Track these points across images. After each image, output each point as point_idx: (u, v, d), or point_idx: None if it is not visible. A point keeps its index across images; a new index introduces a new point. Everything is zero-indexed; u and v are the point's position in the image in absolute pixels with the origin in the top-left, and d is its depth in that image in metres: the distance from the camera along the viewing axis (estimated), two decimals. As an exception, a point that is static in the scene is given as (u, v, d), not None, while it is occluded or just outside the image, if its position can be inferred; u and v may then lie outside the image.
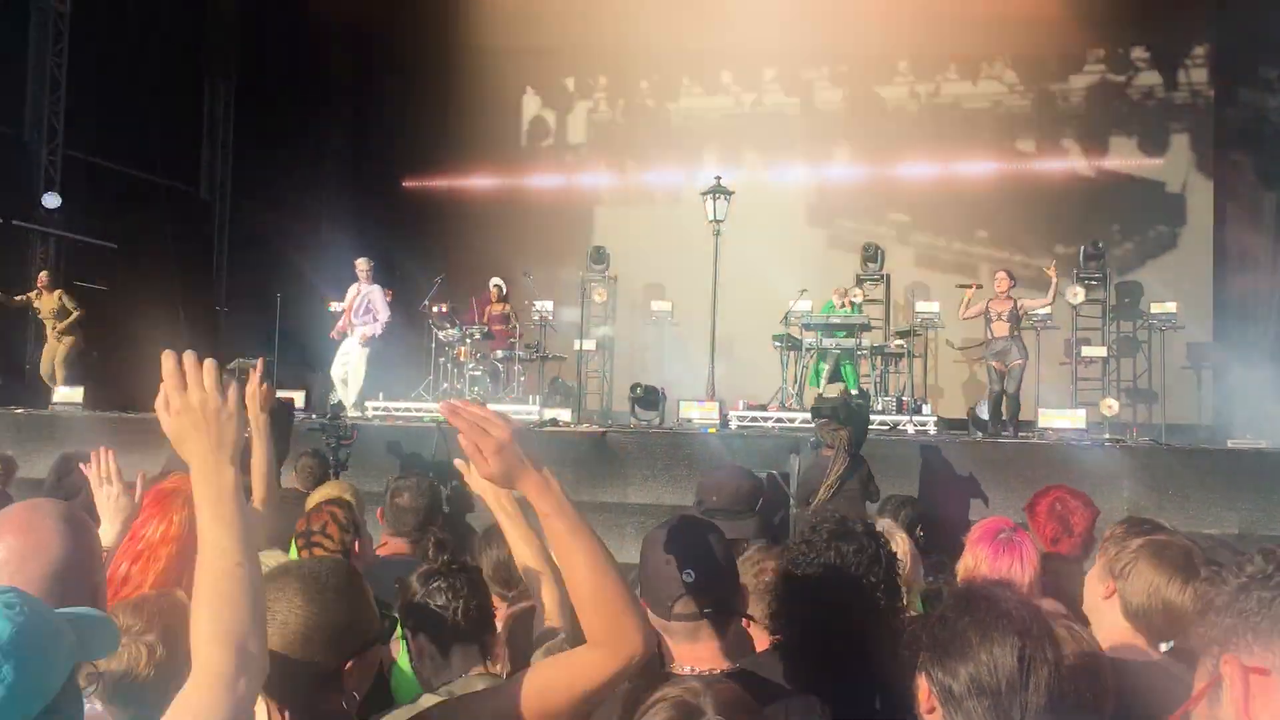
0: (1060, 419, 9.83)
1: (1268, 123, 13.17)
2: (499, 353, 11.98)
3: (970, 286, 11.16)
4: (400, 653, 2.55)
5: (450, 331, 12.00)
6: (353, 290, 11.49)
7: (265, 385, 3.10)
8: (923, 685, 1.69)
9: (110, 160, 14.13)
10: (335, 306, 11.61)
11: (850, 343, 11.31)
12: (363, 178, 17.06)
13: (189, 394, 1.50)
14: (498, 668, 2.37)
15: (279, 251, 14.58)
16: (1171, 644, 2.55)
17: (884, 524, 3.44)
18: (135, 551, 2.31)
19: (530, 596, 2.60)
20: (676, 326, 13.66)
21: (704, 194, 11.09)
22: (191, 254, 15.36)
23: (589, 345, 13.40)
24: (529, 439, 1.66)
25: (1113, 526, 2.61)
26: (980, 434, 10.51)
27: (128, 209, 14.13)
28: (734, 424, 10.19)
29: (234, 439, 1.50)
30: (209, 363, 1.53)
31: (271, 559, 2.35)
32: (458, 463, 2.41)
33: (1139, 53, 14.33)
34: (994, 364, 10.41)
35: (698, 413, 9.95)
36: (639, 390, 10.81)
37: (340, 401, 11.04)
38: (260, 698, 1.60)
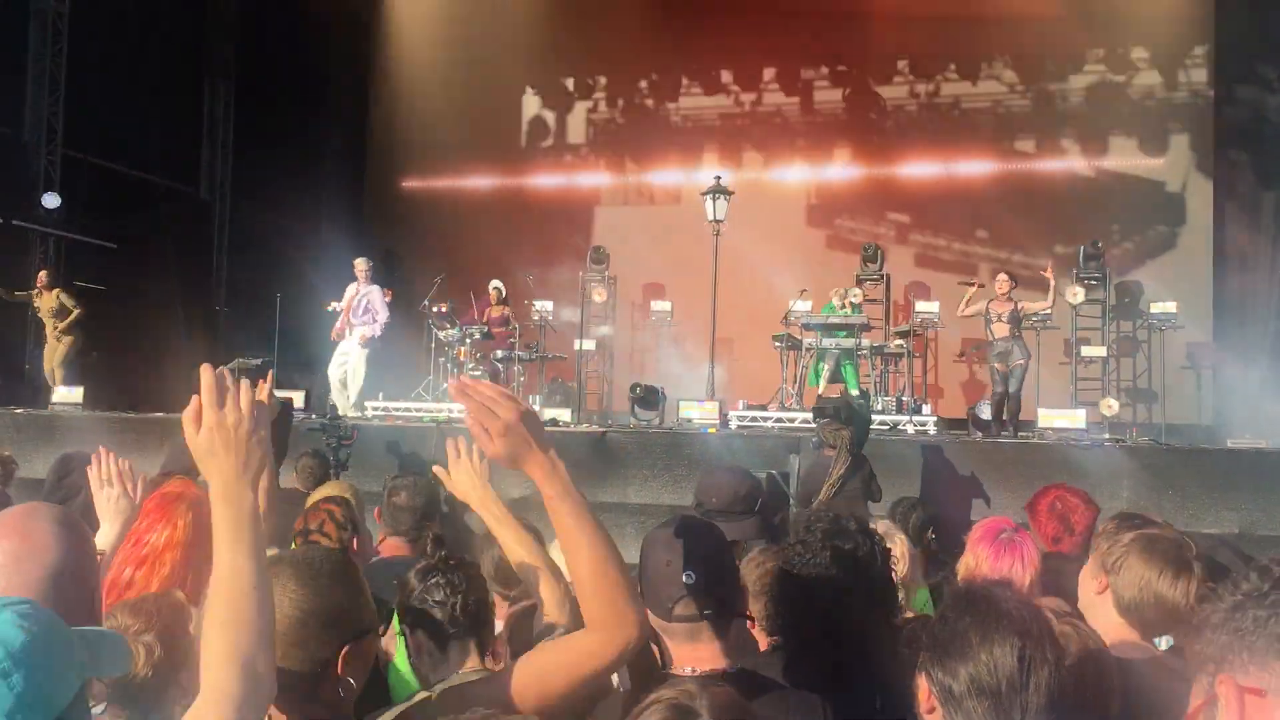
0: (1060, 419, 9.83)
1: (1267, 122, 13.17)
2: (499, 353, 11.99)
3: (973, 284, 11.16)
4: (398, 651, 2.55)
5: (450, 331, 12.00)
6: (351, 290, 11.46)
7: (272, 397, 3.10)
8: (922, 685, 1.69)
9: (110, 160, 14.14)
10: (334, 307, 11.61)
11: (850, 343, 11.31)
12: (363, 178, 17.08)
13: (224, 412, 1.50)
14: (499, 666, 2.37)
15: (279, 251, 14.58)
16: (1171, 641, 2.56)
17: (883, 525, 3.45)
18: (140, 557, 2.33)
19: (532, 596, 2.60)
20: (676, 326, 13.66)
21: (704, 194, 11.09)
22: (191, 254, 15.36)
23: (589, 345, 13.40)
24: (536, 421, 1.66)
25: (1104, 523, 2.61)
26: (980, 434, 10.51)
27: (127, 209, 14.14)
28: (734, 424, 10.19)
29: (259, 463, 1.52)
30: (246, 383, 1.54)
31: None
32: (436, 469, 2.41)
33: (1139, 53, 14.32)
34: (997, 366, 10.42)
35: (697, 412, 9.95)
36: (639, 390, 10.81)
37: (335, 404, 11.05)
38: None
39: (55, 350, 11.85)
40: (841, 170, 15.55)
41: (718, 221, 10.94)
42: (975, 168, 14.94)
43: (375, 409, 11.13)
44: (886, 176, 15.18)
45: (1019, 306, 10.51)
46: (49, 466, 4.20)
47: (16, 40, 13.37)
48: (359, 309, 11.32)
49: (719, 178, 11.28)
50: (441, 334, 12.15)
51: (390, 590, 2.42)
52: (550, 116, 16.73)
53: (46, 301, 11.87)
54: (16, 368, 12.91)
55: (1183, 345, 12.88)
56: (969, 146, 14.93)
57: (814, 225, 15.33)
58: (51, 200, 13.07)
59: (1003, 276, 10.81)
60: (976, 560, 2.82)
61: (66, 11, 13.71)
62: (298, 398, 10.69)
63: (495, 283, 12.70)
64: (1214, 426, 11.72)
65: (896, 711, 1.85)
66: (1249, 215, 13.50)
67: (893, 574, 2.22)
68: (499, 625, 2.73)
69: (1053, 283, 10.90)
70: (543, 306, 13.08)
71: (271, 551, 2.92)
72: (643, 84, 16.18)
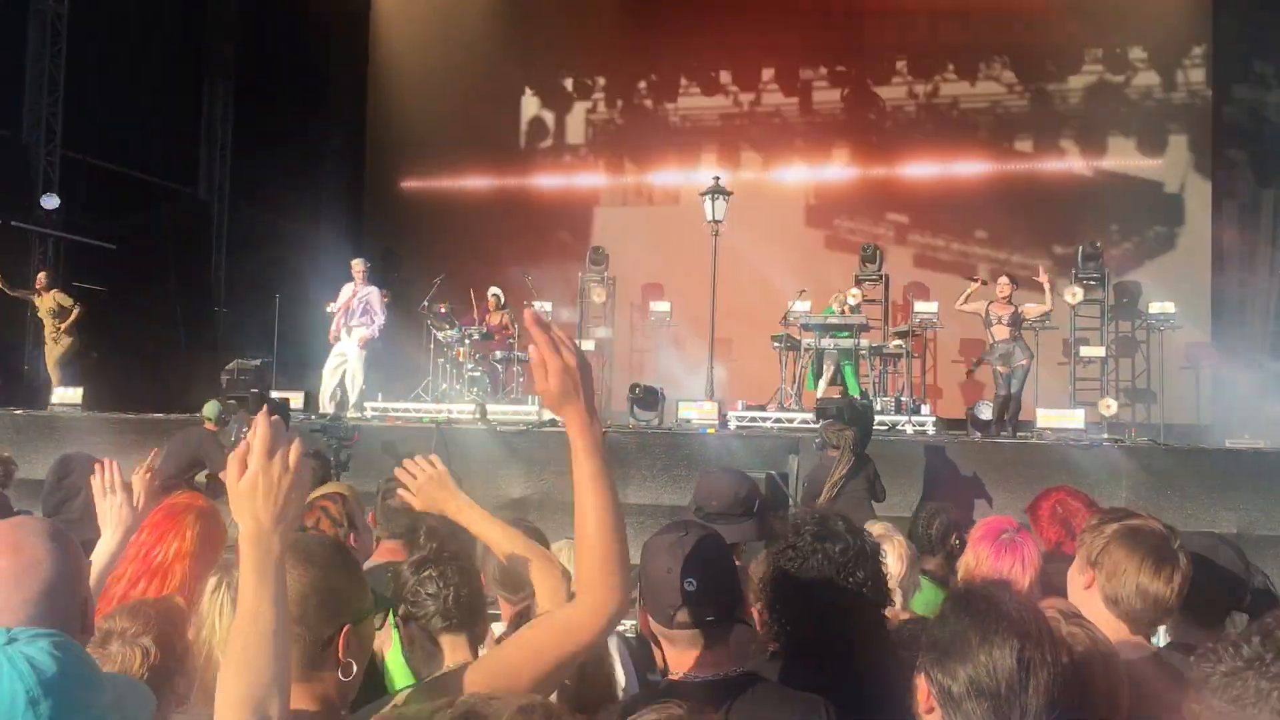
0: (1059, 419, 9.84)
1: (1266, 122, 13.18)
2: (498, 353, 11.98)
3: (976, 281, 11.16)
4: (393, 647, 2.55)
5: (449, 332, 12.00)
6: (347, 290, 11.39)
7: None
8: (921, 685, 1.69)
9: (109, 161, 14.12)
10: (333, 308, 11.59)
11: (849, 343, 11.31)
12: (362, 178, 17.09)
13: (273, 462, 1.54)
14: None
15: (278, 252, 14.58)
16: (1167, 636, 2.56)
17: (880, 526, 3.45)
18: (151, 569, 2.37)
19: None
20: (675, 327, 13.66)
21: (702, 194, 11.10)
22: (190, 254, 15.35)
23: (588, 346, 13.40)
24: (589, 376, 1.70)
25: (1088, 519, 2.60)
26: (979, 434, 10.51)
27: (126, 210, 14.13)
28: (733, 424, 10.19)
29: (294, 518, 1.56)
30: (298, 440, 1.58)
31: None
32: (402, 494, 2.37)
33: (1137, 53, 14.34)
34: (999, 368, 10.42)
35: (696, 413, 9.95)
36: (638, 390, 10.81)
37: (338, 399, 11.05)
38: None
39: (52, 351, 11.85)
40: (840, 170, 15.56)
41: (716, 222, 10.94)
42: (974, 168, 14.94)
43: (374, 410, 11.13)
44: (885, 177, 15.19)
45: (1019, 310, 10.52)
46: (48, 468, 4.20)
47: (16, 41, 13.37)
48: (358, 310, 11.29)
49: (718, 178, 11.29)
50: (440, 335, 12.15)
51: (386, 591, 2.42)
52: (549, 117, 16.73)
53: (45, 302, 11.87)
54: (16, 369, 12.90)
55: (1181, 345, 12.89)
56: (968, 147, 14.94)
57: (813, 225, 15.34)
58: (50, 201, 13.07)
59: (1003, 279, 10.82)
60: (977, 559, 2.81)
61: (65, 12, 13.70)
62: (297, 398, 10.70)
63: (494, 289, 12.68)
64: (1212, 426, 11.72)
65: (895, 712, 1.85)
66: (1247, 215, 13.51)
67: (884, 570, 2.22)
68: (503, 626, 2.73)
69: (1047, 286, 10.91)
70: (542, 307, 13.07)
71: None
72: (641, 84, 16.19)
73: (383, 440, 8.75)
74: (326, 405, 10.93)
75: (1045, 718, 1.59)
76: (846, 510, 5.42)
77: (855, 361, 11.38)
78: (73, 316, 11.86)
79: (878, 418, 9.80)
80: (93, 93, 13.34)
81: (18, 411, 10.55)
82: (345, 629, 1.70)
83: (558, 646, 1.68)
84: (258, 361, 12.24)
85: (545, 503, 8.15)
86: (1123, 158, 14.38)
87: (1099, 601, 2.26)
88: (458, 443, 8.80)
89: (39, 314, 12.02)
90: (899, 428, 10.07)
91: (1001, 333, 10.44)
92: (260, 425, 1.55)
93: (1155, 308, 12.42)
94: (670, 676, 1.98)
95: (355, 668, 1.72)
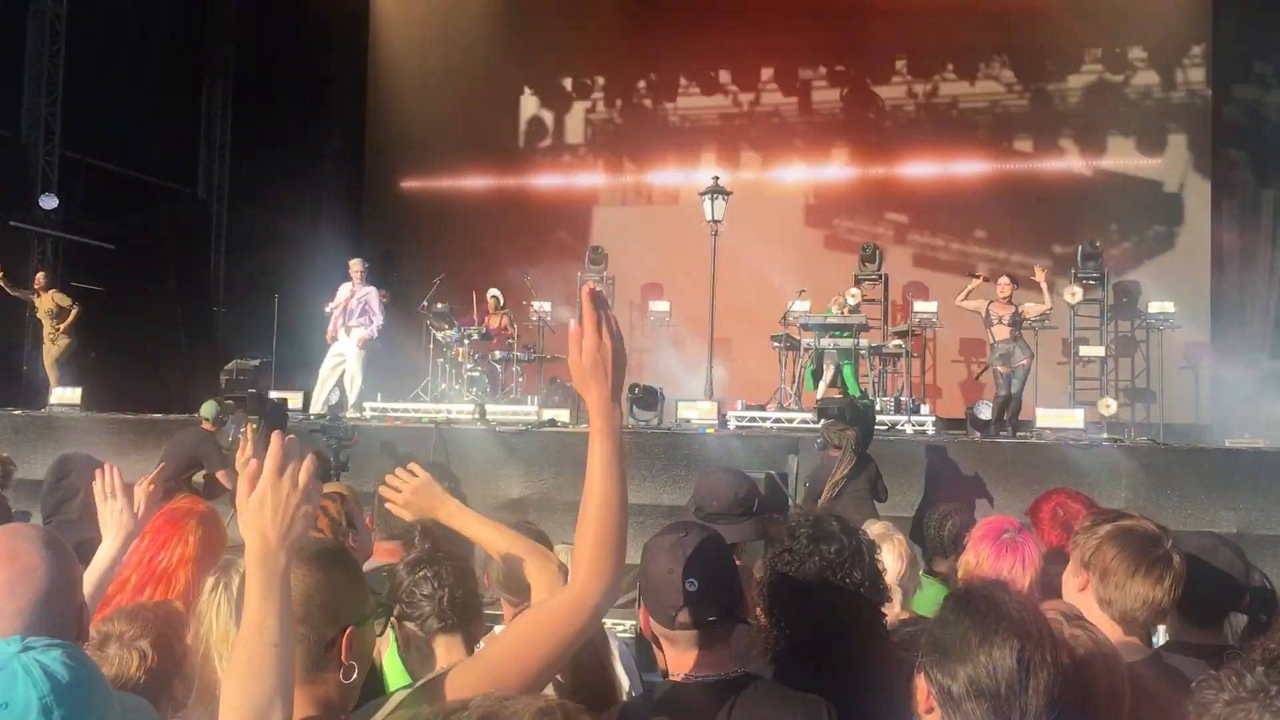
0: (1058, 419, 9.83)
1: (1266, 121, 13.18)
2: (497, 354, 11.98)
3: (977, 277, 11.15)
4: (390, 649, 2.54)
5: (448, 332, 11.99)
6: (344, 290, 11.35)
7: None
8: (921, 685, 1.69)
9: (107, 161, 14.12)
10: (330, 308, 11.56)
11: (848, 343, 11.31)
12: (361, 178, 17.09)
13: (283, 480, 1.57)
14: None
15: (277, 252, 14.57)
16: (1166, 635, 2.56)
17: (880, 526, 3.44)
18: (155, 575, 2.40)
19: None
20: (674, 326, 13.66)
21: (702, 194, 11.10)
22: (189, 255, 15.34)
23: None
24: (621, 365, 1.73)
25: (1082, 521, 2.60)
26: (978, 434, 10.51)
27: (125, 210, 14.13)
28: (732, 424, 10.19)
29: (300, 536, 1.58)
30: (310, 460, 1.61)
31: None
32: (390, 509, 2.35)
33: (1136, 52, 14.34)
34: (1000, 368, 10.42)
35: (696, 413, 9.95)
36: (637, 390, 10.80)
37: (333, 401, 11.04)
38: None
39: (50, 351, 11.84)
40: (839, 170, 15.56)
41: (716, 221, 10.94)
42: (973, 167, 14.95)
43: (374, 410, 11.12)
44: (884, 176, 15.19)
45: (1020, 310, 10.52)
46: (47, 468, 4.20)
47: (14, 41, 13.36)
48: (356, 310, 11.26)
49: (717, 178, 11.29)
50: (440, 334, 12.14)
51: (383, 593, 2.41)
52: (548, 117, 16.73)
53: (44, 303, 11.87)
54: (15, 369, 12.89)
55: (1181, 345, 12.89)
56: (967, 146, 14.94)
57: (812, 225, 15.34)
58: (49, 201, 13.06)
59: (1004, 279, 10.82)
60: (977, 559, 2.81)
61: (64, 12, 13.69)
62: (296, 399, 10.69)
63: (493, 291, 12.67)
64: (1212, 426, 11.73)
65: (895, 712, 1.85)
66: (1247, 215, 13.52)
67: (880, 569, 2.23)
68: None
69: (1045, 285, 10.90)
70: (541, 307, 13.07)
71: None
72: (641, 84, 16.19)
73: (382, 440, 8.75)
74: (318, 406, 10.90)
75: (1045, 718, 1.59)
76: (848, 510, 5.45)
77: (855, 361, 11.37)
78: (71, 317, 11.86)
79: (877, 418, 9.82)
80: (91, 92, 13.34)
81: (16, 412, 10.54)
82: (348, 631, 1.70)
83: (548, 636, 1.67)
84: (257, 362, 12.24)
85: (544, 503, 8.15)
86: (1122, 157, 14.39)
87: (1093, 604, 2.25)
88: (457, 443, 8.80)
89: (37, 314, 12.02)
90: (898, 427, 10.07)
91: (1002, 333, 10.44)
92: (274, 444, 1.58)
93: (1155, 307, 12.42)
94: (672, 678, 1.97)
95: (357, 671, 1.72)
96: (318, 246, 14.55)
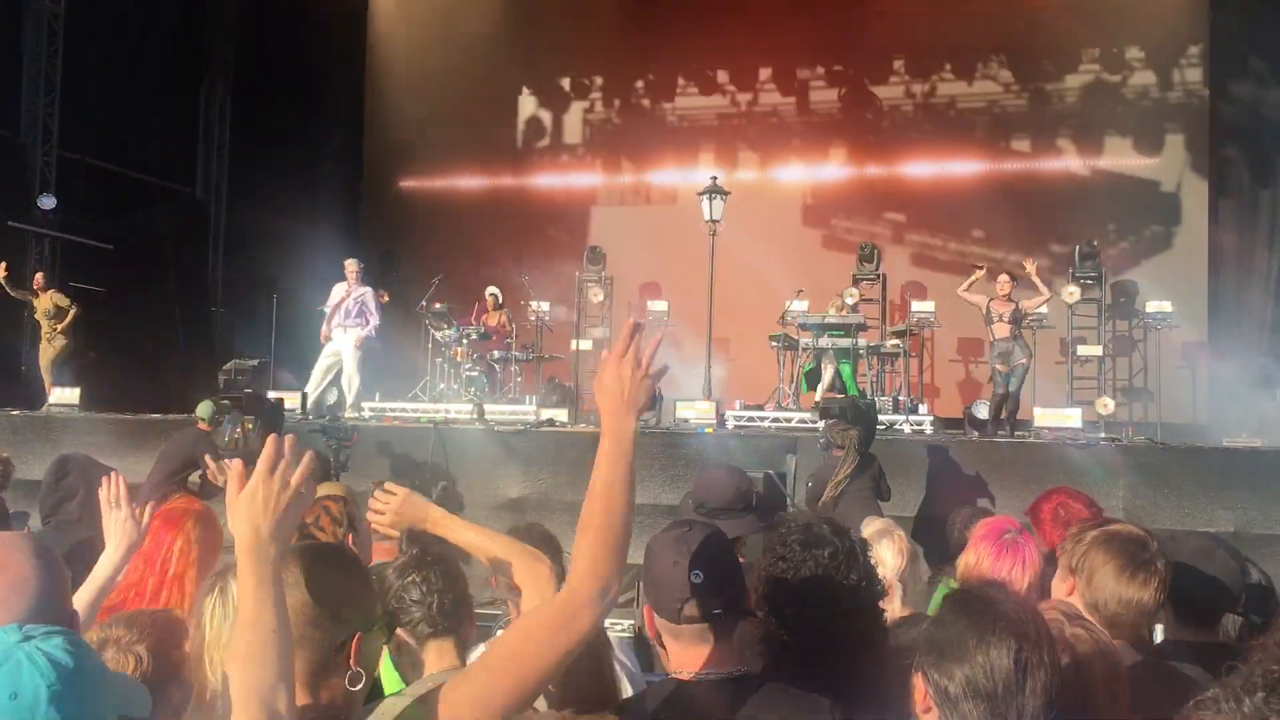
0: (1056, 418, 9.84)
1: (1263, 120, 13.20)
2: (495, 353, 11.97)
3: (980, 269, 11.13)
4: (383, 653, 2.54)
5: (447, 332, 11.98)
6: (339, 290, 11.30)
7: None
8: (919, 685, 1.70)
9: (106, 161, 14.11)
10: (324, 309, 11.52)
11: (846, 342, 11.31)
12: (360, 178, 17.09)
13: (274, 477, 1.61)
14: None
15: (275, 252, 14.57)
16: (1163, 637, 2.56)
17: (880, 523, 3.45)
18: (168, 578, 2.49)
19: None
20: (672, 326, 13.65)
21: (700, 194, 11.10)
22: (188, 255, 15.34)
23: (585, 345, 13.40)
24: (645, 392, 1.78)
25: (1071, 528, 2.61)
26: (976, 433, 10.52)
27: (124, 210, 14.12)
28: (730, 424, 10.19)
29: (288, 530, 1.63)
30: (306, 460, 1.65)
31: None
32: (377, 528, 2.37)
33: (1134, 52, 14.35)
34: (998, 366, 10.42)
35: (694, 412, 9.95)
36: (635, 390, 10.78)
37: (333, 400, 11.03)
38: None
39: (46, 352, 11.83)
40: (837, 170, 15.57)
41: (714, 221, 10.94)
42: (971, 167, 14.96)
43: (372, 410, 11.12)
44: (882, 176, 15.20)
45: (1020, 306, 10.52)
46: (46, 468, 4.20)
47: (12, 40, 13.34)
48: (353, 310, 11.24)
49: (715, 178, 11.29)
50: (438, 334, 12.13)
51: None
52: (546, 117, 16.74)
53: (42, 303, 11.86)
54: (14, 369, 12.88)
55: (1178, 344, 12.91)
56: (965, 146, 14.95)
57: (810, 225, 15.35)
58: (47, 201, 13.05)
59: (1004, 277, 10.81)
60: (977, 558, 2.81)
61: (62, 12, 13.68)
62: (294, 399, 10.68)
63: (491, 289, 12.65)
64: (1209, 425, 11.74)
65: (893, 711, 1.85)
66: (1244, 214, 13.53)
67: (874, 564, 2.23)
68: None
69: (1035, 276, 10.86)
70: (539, 307, 13.07)
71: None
72: (639, 84, 16.20)
73: (379, 440, 8.76)
74: (313, 391, 10.90)
75: (1042, 718, 1.59)
76: (852, 509, 5.46)
77: (853, 361, 11.38)
78: (69, 317, 11.84)
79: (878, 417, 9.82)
80: (90, 92, 13.33)
81: (15, 412, 10.52)
82: (357, 636, 1.71)
83: (542, 646, 1.65)
84: (255, 361, 12.23)
85: (543, 502, 8.14)
86: (1120, 157, 14.40)
87: (1080, 608, 2.26)
88: (455, 443, 8.79)
89: (35, 315, 12.01)
90: (896, 427, 10.07)
91: (1002, 330, 10.43)
92: (267, 445, 1.63)
93: (1152, 306, 12.44)
94: (678, 676, 1.96)
95: (364, 678, 1.72)
96: (317, 246, 14.54)
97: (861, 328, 11.56)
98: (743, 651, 2.01)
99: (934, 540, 4.94)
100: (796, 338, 11.65)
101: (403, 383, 12.25)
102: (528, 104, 16.75)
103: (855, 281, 13.22)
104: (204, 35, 15.89)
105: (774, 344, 11.86)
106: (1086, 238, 13.10)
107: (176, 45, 15.11)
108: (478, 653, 2.69)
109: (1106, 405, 11.74)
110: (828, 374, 11.30)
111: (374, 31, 17.12)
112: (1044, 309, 11.28)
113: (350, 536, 3.28)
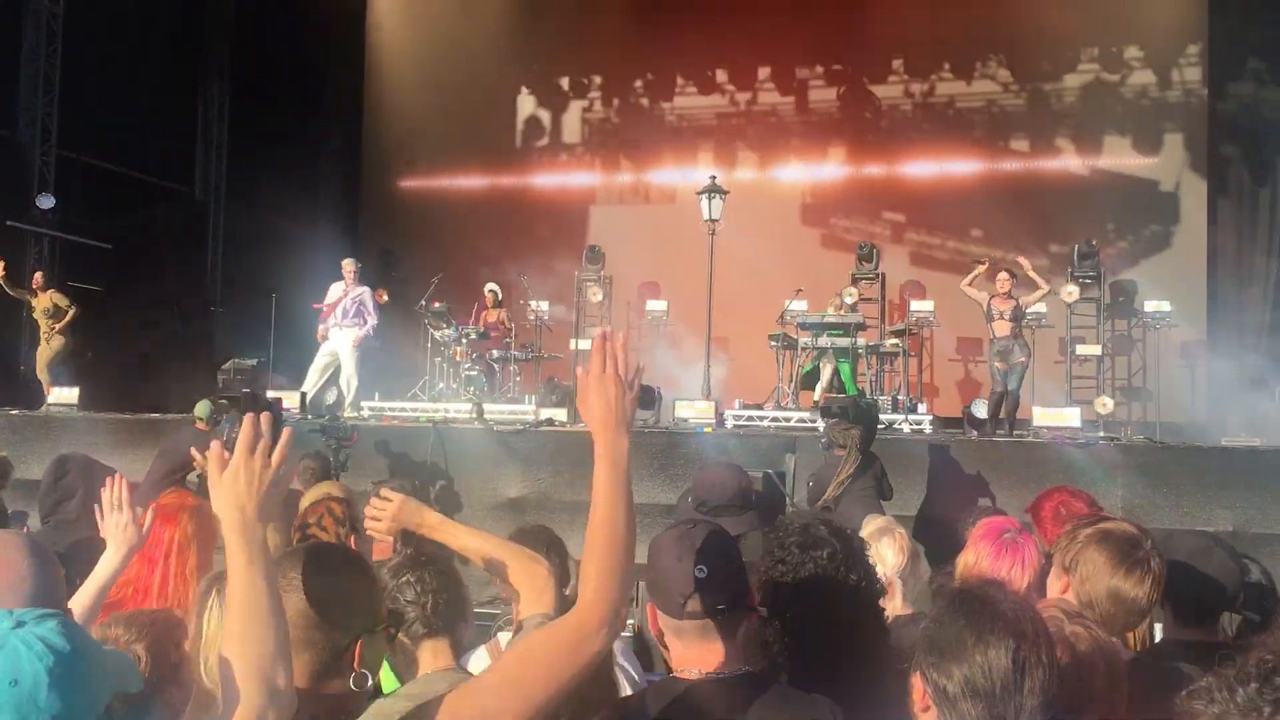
0: (1055, 417, 9.84)
1: (1262, 120, 13.21)
2: (494, 353, 11.97)
3: (983, 263, 11.12)
4: None
5: (446, 331, 11.98)
6: (335, 290, 11.27)
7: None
8: (917, 684, 1.70)
9: (105, 161, 14.10)
10: (320, 308, 11.49)
11: (846, 342, 11.31)
12: (359, 178, 17.08)
13: (255, 457, 1.62)
14: None
15: (274, 251, 14.55)
16: (1161, 635, 2.57)
17: (881, 521, 3.45)
18: (165, 573, 2.58)
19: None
20: (672, 325, 13.66)
21: (699, 193, 11.10)
22: (187, 254, 15.34)
23: (584, 345, 13.37)
24: (629, 406, 1.77)
25: (1065, 526, 2.61)
26: (975, 433, 10.52)
27: (123, 209, 14.11)
28: (730, 423, 10.19)
29: (273, 510, 1.63)
30: (285, 439, 1.66)
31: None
32: (372, 533, 2.37)
33: (1133, 52, 14.36)
34: (998, 364, 10.41)
35: (693, 412, 9.95)
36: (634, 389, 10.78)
37: (332, 399, 11.02)
38: None
39: (44, 352, 11.82)
40: (836, 169, 15.57)
41: (713, 221, 10.94)
42: (970, 166, 14.96)
43: (371, 409, 11.12)
44: (881, 176, 15.21)
45: (1020, 304, 10.52)
46: (45, 468, 4.19)
47: (11, 40, 13.33)
48: (351, 310, 11.23)
49: (714, 177, 11.28)
50: (437, 334, 12.13)
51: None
52: (545, 116, 16.73)
53: (41, 302, 11.85)
54: (13, 369, 12.88)
55: (1177, 343, 12.91)
56: (963, 145, 14.96)
57: (809, 224, 15.35)
58: (46, 201, 13.04)
59: (1003, 275, 10.78)
60: (977, 557, 2.81)
61: (61, 12, 13.67)
62: (292, 398, 10.68)
63: (491, 285, 12.65)
64: (1208, 424, 11.75)
65: (892, 711, 1.85)
66: (1243, 213, 13.55)
67: (872, 565, 2.24)
68: (509, 635, 2.70)
69: (1031, 271, 10.83)
70: (538, 306, 13.07)
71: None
72: (638, 83, 16.20)
73: (378, 440, 8.76)
74: (310, 386, 10.90)
75: (1041, 718, 1.59)
76: (854, 508, 5.46)
77: (852, 360, 11.38)
78: (68, 317, 11.84)
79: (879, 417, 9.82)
80: (89, 92, 13.32)
81: (14, 411, 10.52)
82: (361, 641, 1.71)
83: (553, 665, 1.64)
84: (254, 361, 12.21)
85: (542, 502, 8.15)
86: (1118, 156, 14.41)
87: (1073, 606, 2.26)
88: (454, 442, 8.79)
89: (34, 314, 12.00)
90: (896, 426, 10.07)
91: (1002, 329, 10.41)
92: (245, 425, 1.63)
93: (1151, 305, 12.45)
94: (682, 675, 1.95)
95: (369, 680, 1.72)
96: (316, 246, 14.54)
97: (860, 327, 11.56)
98: (746, 650, 2.01)
99: (934, 539, 4.95)
100: (795, 337, 11.65)
101: (402, 382, 12.25)
102: (527, 103, 16.75)
103: (854, 281, 13.21)
104: (203, 35, 15.89)
105: (773, 343, 11.85)
106: (1085, 237, 13.11)
107: (176, 45, 15.11)
108: (476, 655, 2.70)
109: (1105, 404, 11.74)
110: (826, 373, 11.30)
111: (373, 31, 17.12)
112: (1042, 306, 11.27)
113: (351, 538, 3.29)
